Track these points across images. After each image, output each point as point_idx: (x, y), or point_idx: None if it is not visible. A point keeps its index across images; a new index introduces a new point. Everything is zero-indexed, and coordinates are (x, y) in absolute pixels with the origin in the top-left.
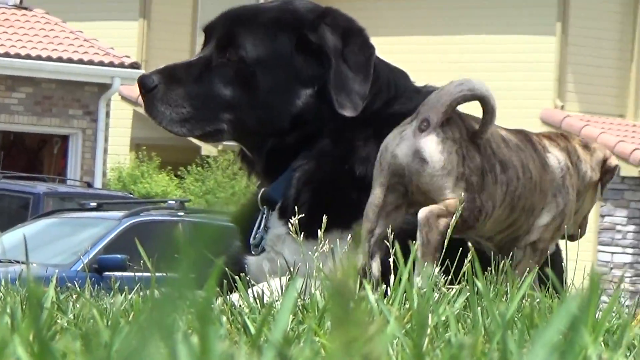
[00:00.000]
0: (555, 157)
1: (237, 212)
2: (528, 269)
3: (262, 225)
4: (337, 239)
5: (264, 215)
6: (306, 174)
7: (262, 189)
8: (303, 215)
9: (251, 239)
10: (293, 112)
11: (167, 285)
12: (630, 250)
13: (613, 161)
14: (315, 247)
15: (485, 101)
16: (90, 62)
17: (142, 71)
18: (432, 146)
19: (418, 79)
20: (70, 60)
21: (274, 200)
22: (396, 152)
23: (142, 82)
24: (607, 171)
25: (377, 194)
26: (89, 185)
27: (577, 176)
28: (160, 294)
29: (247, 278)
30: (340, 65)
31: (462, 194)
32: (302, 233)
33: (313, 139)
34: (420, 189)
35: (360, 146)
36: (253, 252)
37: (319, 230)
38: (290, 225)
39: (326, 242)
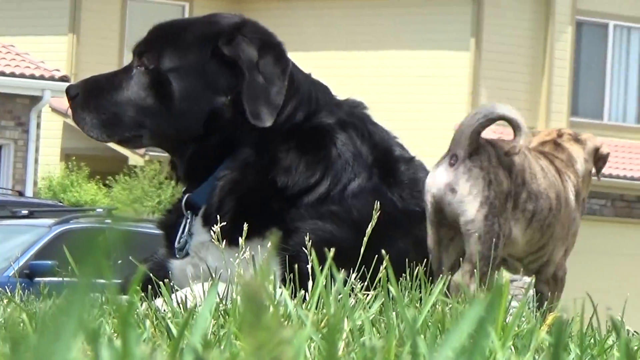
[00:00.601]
0: (571, 188)
1: (163, 217)
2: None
3: (186, 230)
4: (258, 247)
5: (188, 220)
6: (230, 183)
7: (187, 195)
8: (226, 223)
9: (176, 243)
10: (205, 119)
11: (69, 289)
12: None
13: (604, 149)
14: (236, 254)
15: (507, 120)
16: (22, 75)
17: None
18: (460, 177)
19: (340, 93)
20: (2, 74)
21: (197, 206)
22: (433, 190)
23: (67, 91)
24: (599, 158)
25: (430, 233)
26: (21, 193)
27: (575, 184)
28: (62, 298)
29: (171, 283)
30: (253, 77)
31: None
32: (225, 240)
33: (233, 146)
34: (453, 217)
35: (283, 157)
36: (177, 256)
37: (240, 238)
38: (213, 233)
39: (247, 249)
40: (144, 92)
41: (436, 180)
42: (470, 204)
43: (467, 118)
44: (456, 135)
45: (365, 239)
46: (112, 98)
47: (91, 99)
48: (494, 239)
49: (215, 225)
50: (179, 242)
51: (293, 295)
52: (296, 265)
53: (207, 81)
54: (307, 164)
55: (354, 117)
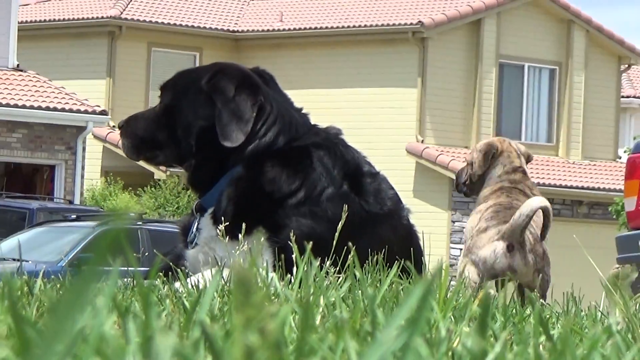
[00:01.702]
0: None
1: (181, 219)
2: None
3: (194, 227)
4: (254, 240)
5: (197, 220)
6: (229, 193)
7: (197, 201)
8: (228, 222)
9: (188, 237)
10: (195, 139)
11: (80, 276)
12: None
13: (529, 152)
14: (237, 247)
15: (544, 212)
16: (70, 110)
17: (109, 117)
18: (519, 262)
19: (317, 122)
20: (55, 109)
21: (205, 209)
22: (495, 266)
23: (118, 124)
24: (528, 159)
25: (477, 280)
26: (70, 202)
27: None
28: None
29: (187, 270)
30: (226, 106)
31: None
32: (228, 235)
33: (230, 164)
34: (508, 278)
35: (268, 171)
36: (190, 247)
37: (239, 234)
38: (218, 230)
39: (245, 242)
40: (157, 121)
41: (498, 261)
42: (530, 275)
43: (515, 219)
44: (510, 230)
45: (337, 233)
46: (138, 127)
47: (128, 128)
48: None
49: (220, 224)
50: (189, 237)
51: (282, 278)
52: (283, 255)
53: (195, 112)
54: (288, 175)
55: (329, 141)
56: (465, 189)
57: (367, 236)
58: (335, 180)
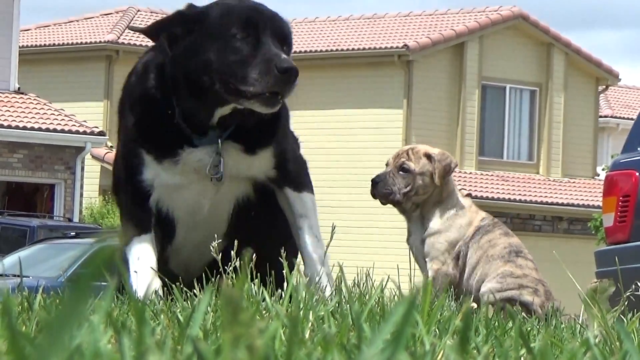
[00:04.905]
0: None
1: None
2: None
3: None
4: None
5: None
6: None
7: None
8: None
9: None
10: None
11: (70, 290)
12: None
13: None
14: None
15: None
16: (69, 132)
17: (106, 138)
18: None
19: (309, 142)
20: (55, 130)
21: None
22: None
23: None
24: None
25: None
26: (70, 220)
27: None
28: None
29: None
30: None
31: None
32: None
33: None
34: None
35: None
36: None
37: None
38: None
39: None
40: None
41: None
42: None
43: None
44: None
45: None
46: None
47: None
48: None
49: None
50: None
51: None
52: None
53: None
54: None
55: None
56: (402, 198)
57: None
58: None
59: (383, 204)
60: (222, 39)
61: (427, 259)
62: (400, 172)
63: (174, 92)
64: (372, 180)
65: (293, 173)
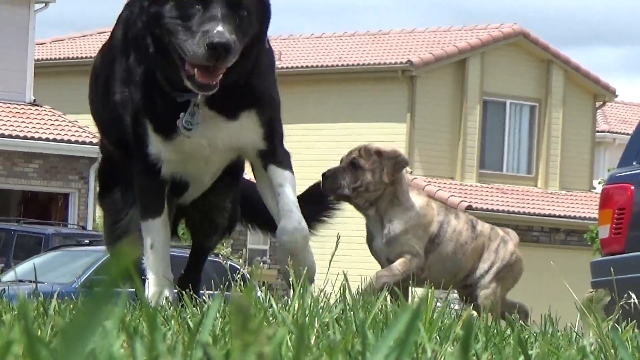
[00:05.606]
0: None
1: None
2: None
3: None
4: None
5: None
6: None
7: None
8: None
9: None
10: None
11: (90, 295)
12: None
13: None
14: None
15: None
16: (83, 142)
17: None
18: None
19: (318, 156)
20: (69, 141)
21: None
22: None
23: None
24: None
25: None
26: (83, 228)
27: None
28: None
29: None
30: None
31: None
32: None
33: None
34: None
35: None
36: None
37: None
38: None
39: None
40: None
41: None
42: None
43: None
44: None
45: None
46: None
47: None
48: None
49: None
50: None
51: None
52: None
53: None
54: None
55: None
56: (351, 193)
57: None
58: None
59: (333, 199)
60: None
61: (400, 259)
62: (351, 168)
63: (150, 50)
64: (323, 175)
65: (280, 156)
